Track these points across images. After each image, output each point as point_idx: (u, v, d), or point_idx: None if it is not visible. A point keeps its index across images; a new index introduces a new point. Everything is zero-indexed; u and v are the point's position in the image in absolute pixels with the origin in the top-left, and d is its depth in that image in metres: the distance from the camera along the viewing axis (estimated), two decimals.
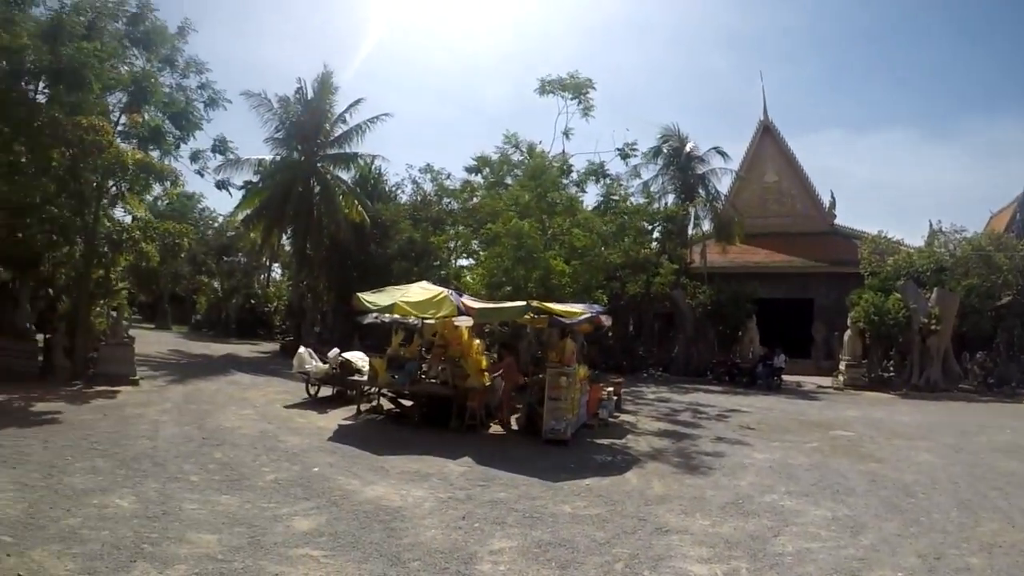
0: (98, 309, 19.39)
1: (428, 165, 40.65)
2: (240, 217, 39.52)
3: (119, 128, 21.37)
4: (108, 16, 21.84)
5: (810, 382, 31.22)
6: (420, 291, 15.60)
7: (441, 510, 8.53)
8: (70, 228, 17.79)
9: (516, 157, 36.91)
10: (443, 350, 16.14)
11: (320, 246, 36.65)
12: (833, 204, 44.46)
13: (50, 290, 20.23)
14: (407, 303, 14.72)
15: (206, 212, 57.63)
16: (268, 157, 37.22)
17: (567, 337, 15.20)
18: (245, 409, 15.75)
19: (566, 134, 33.40)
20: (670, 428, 16.53)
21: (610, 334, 33.16)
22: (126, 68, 22.21)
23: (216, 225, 57.00)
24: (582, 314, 15.28)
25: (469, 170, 40.11)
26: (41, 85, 19.61)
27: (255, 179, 37.60)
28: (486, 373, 15.58)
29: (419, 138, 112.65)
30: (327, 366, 17.86)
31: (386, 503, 8.68)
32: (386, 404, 16.92)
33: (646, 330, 38.27)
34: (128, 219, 20.48)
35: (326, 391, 18.35)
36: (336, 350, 18.49)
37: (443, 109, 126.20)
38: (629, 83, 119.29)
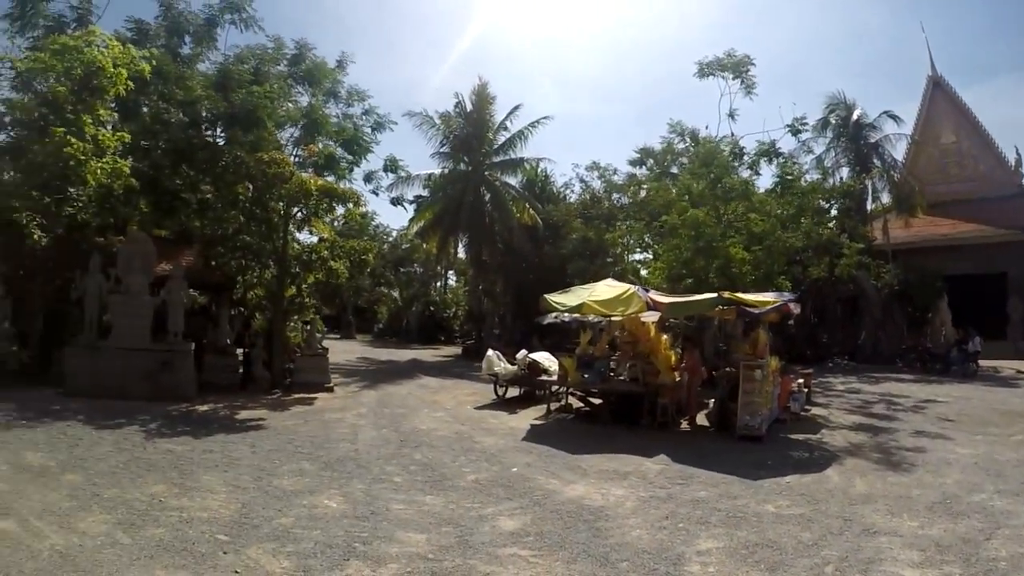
0: (291, 324, 20.55)
1: (594, 162, 41.01)
2: (414, 230, 41.07)
3: (295, 159, 22.80)
4: (270, 61, 23.60)
5: (1008, 367, 28.14)
6: (607, 289, 15.31)
7: (643, 509, 8.30)
8: (261, 253, 19.02)
9: (680, 145, 36.35)
10: (631, 347, 15.78)
11: (495, 251, 37.35)
12: (1020, 162, 38.43)
13: (242, 309, 21.62)
14: (596, 302, 14.46)
15: (380, 228, 60.03)
16: (436, 171, 38.54)
17: (759, 328, 14.48)
18: (437, 412, 16.02)
19: (731, 115, 32.66)
20: (865, 421, 15.47)
21: (791, 322, 31.65)
22: (292, 105, 23.89)
23: (390, 239, 59.39)
24: (772, 303, 14.44)
25: (632, 163, 40.17)
26: (219, 130, 21.66)
27: (425, 193, 39.11)
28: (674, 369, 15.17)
29: (578, 137, 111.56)
30: (515, 367, 17.93)
31: (588, 502, 8.52)
32: (575, 403, 16.84)
33: (829, 316, 35.93)
34: (314, 240, 21.79)
35: (513, 392, 18.48)
36: (524, 351, 18.56)
37: (598, 106, 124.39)
38: (786, 55, 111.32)
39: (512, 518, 7.86)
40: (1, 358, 16.51)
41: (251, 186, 18.88)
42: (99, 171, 16.66)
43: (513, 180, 39.32)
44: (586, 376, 15.65)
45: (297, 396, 17.64)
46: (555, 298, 15.48)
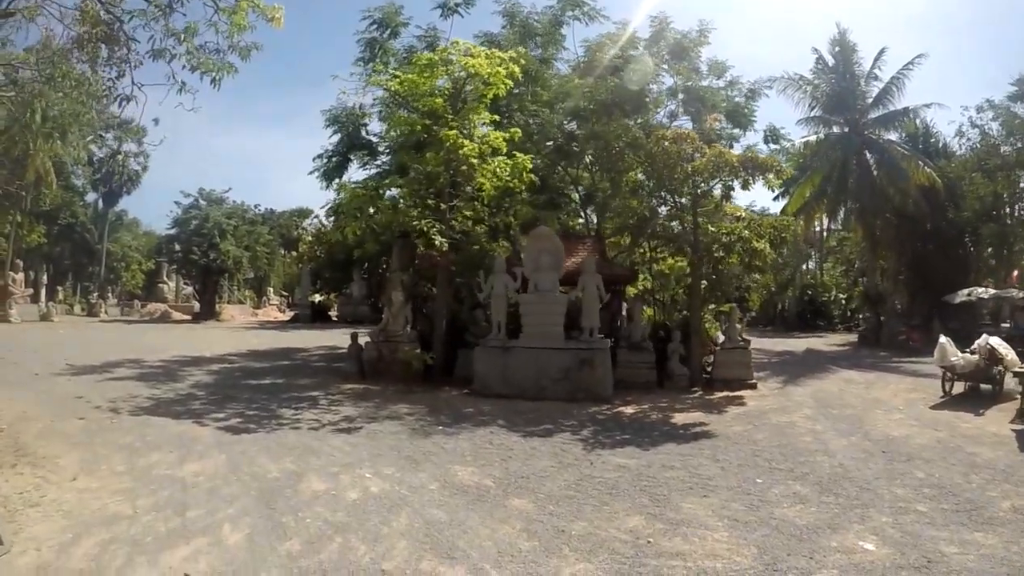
0: (707, 315, 18.24)
1: (987, 101, 33.31)
2: (796, 206, 36.12)
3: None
4: (627, 46, 21.59)
5: None
6: None
7: None
8: (677, 239, 17.23)
9: None
10: None
11: (888, 223, 31.85)
12: None
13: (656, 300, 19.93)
14: None
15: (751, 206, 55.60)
16: (811, 138, 33.74)
17: None
18: (892, 413, 13.23)
19: None
20: None
21: None
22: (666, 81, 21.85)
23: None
24: None
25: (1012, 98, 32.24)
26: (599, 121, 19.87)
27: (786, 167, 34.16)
28: None
29: (953, 73, 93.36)
30: (976, 358, 14.62)
31: None
32: None
33: None
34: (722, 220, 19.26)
35: (958, 387, 15.22)
36: (985, 337, 15.08)
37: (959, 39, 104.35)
38: None
39: None
40: (407, 360, 16.06)
41: (651, 169, 16.91)
42: (497, 170, 15.65)
43: (894, 136, 33.39)
44: None
45: (722, 394, 15.36)
46: None
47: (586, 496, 7.60)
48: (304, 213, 65.16)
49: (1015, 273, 16.75)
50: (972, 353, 14.73)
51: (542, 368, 14.47)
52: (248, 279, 58.83)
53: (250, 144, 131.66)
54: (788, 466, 9.06)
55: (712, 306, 18.14)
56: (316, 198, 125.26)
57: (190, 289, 51.19)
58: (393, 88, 16.29)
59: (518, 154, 15.83)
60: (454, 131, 15.09)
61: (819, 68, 33.30)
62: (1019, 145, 31.91)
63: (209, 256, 41.62)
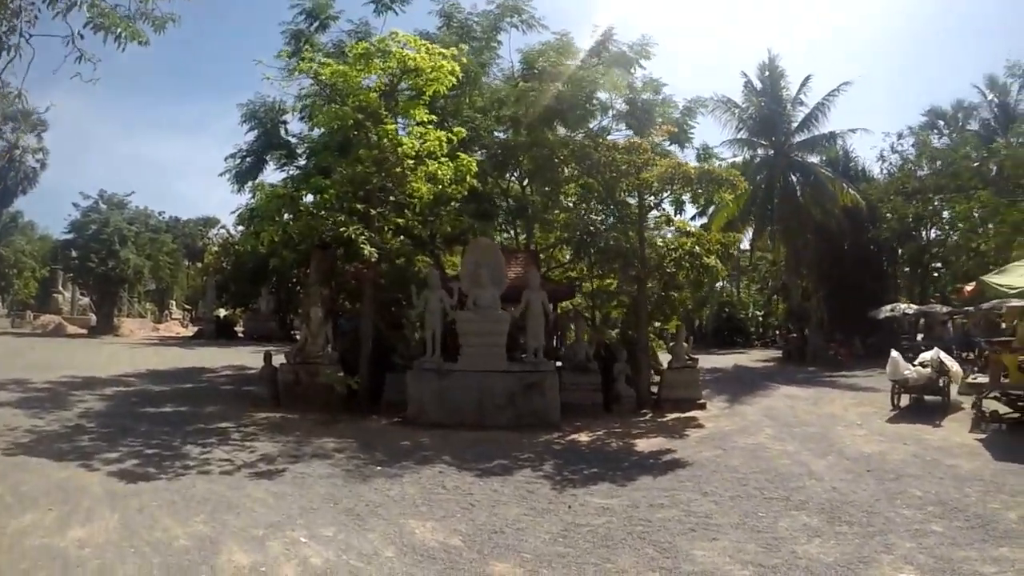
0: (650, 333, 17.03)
1: (908, 128, 34.32)
2: (720, 226, 35.68)
3: None
4: (570, 56, 20.14)
5: None
6: None
7: None
8: (624, 253, 15.71)
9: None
10: None
11: (809, 242, 31.77)
12: None
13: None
14: None
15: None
16: (736, 159, 33.34)
17: None
18: (853, 428, 12.78)
19: None
20: None
21: None
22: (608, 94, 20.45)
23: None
24: None
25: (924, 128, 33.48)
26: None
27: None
28: None
29: (868, 102, 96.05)
30: (928, 371, 14.35)
31: None
32: (1003, 408, 13.20)
33: None
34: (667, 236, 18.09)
35: (904, 400, 15.12)
36: (936, 351, 14.96)
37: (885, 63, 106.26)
38: None
39: None
40: (329, 384, 14.01)
41: (598, 180, 15.58)
42: (438, 172, 13.92)
43: (816, 160, 33.43)
44: None
45: (673, 416, 14.32)
46: (996, 280, 12.42)
47: (580, 552, 6.26)
48: (211, 222, 61.45)
49: (967, 287, 16.56)
50: (923, 366, 14.48)
51: (484, 393, 12.89)
52: (149, 291, 54.47)
53: (156, 151, 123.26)
54: (782, 494, 8.22)
55: (658, 324, 17.02)
56: (225, 208, 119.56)
57: (87, 300, 47.09)
58: (323, 76, 14.22)
59: (462, 154, 14.13)
60: (393, 126, 13.30)
61: (747, 92, 33.31)
62: (934, 169, 33.36)
63: (108, 264, 38.38)
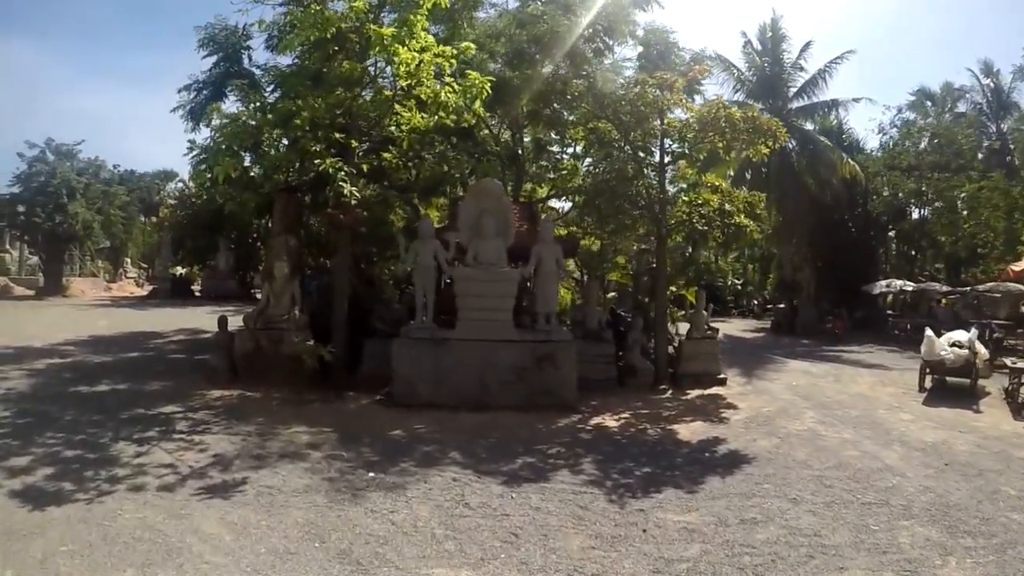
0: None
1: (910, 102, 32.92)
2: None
3: None
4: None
5: None
6: None
7: None
8: (647, 205, 13.34)
9: None
10: None
11: (801, 211, 30.01)
12: None
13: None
14: None
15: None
16: None
17: None
18: (897, 412, 11.18)
19: None
20: None
21: None
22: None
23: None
24: None
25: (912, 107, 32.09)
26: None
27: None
28: None
29: (871, 71, 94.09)
30: (967, 352, 12.88)
31: None
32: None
33: None
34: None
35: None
36: (974, 331, 13.68)
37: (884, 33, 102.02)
38: None
39: None
40: (296, 354, 11.32)
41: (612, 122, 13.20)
42: (440, 96, 11.19)
43: (809, 126, 31.63)
44: None
45: (696, 393, 12.52)
46: None
47: None
48: (169, 176, 57.36)
49: (1014, 267, 14.99)
50: (959, 347, 13.05)
51: (488, 368, 10.57)
52: (102, 248, 50.45)
53: (110, 102, 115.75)
54: (876, 497, 6.82)
55: (674, 289, 14.92)
56: (185, 162, 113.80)
57: (36, 260, 43.33)
58: None
59: (472, 72, 11.35)
60: (390, 29, 10.53)
61: (747, 52, 31.62)
62: (933, 147, 32.16)
63: (55, 220, 34.84)
